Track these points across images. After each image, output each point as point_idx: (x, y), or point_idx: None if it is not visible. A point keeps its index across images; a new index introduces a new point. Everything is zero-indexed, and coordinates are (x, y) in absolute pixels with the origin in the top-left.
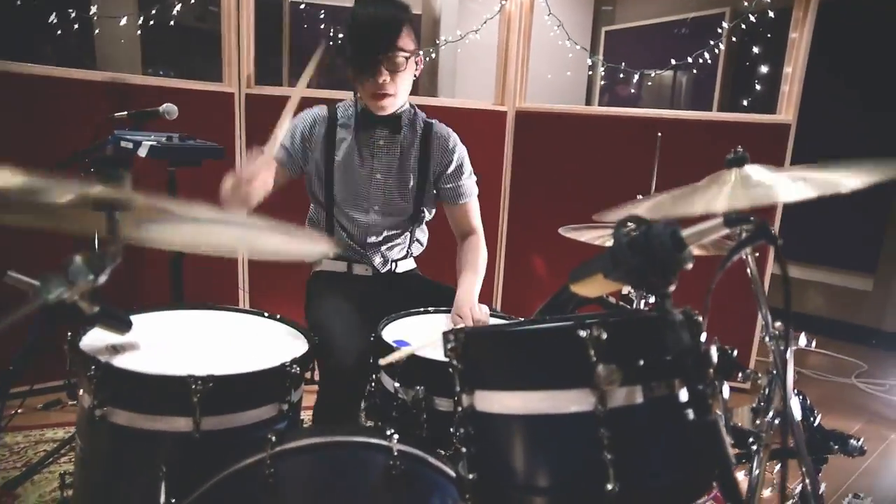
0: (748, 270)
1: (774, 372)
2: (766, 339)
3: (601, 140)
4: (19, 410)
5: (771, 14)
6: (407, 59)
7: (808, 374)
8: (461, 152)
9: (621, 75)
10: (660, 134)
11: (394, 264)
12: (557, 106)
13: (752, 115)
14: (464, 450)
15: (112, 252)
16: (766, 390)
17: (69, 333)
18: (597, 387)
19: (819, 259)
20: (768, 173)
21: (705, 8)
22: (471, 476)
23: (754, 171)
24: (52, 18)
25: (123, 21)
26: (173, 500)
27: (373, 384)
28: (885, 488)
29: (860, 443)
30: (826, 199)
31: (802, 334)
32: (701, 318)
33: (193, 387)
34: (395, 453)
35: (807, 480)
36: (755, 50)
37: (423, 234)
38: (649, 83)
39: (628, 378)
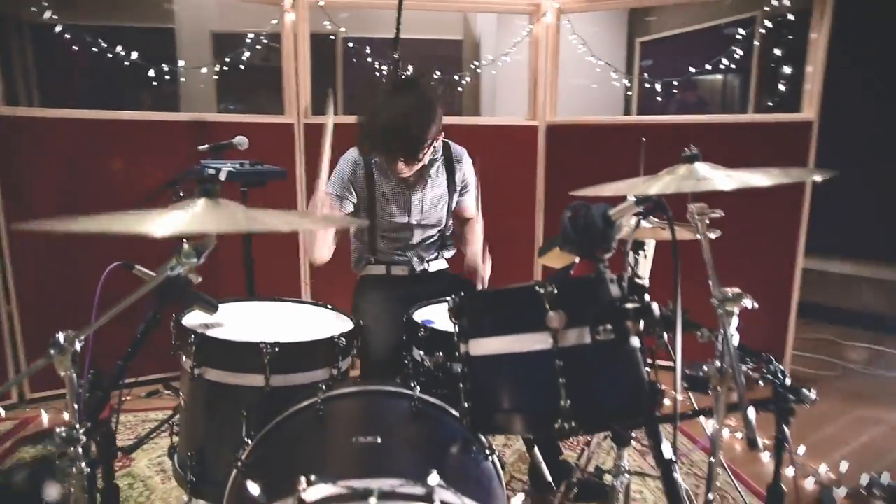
0: (703, 250)
1: (722, 332)
2: (713, 301)
3: (629, 148)
4: (128, 397)
5: (790, 17)
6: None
7: (857, 369)
8: (468, 163)
9: (647, 85)
10: (643, 139)
11: (427, 264)
12: (586, 118)
13: (776, 115)
14: (461, 385)
15: (208, 241)
16: (718, 346)
17: (174, 315)
18: (551, 329)
19: (870, 252)
20: (710, 169)
21: (736, 13)
22: (467, 405)
23: (701, 167)
24: (151, 73)
25: (204, 70)
26: (252, 433)
27: (409, 362)
28: None
29: (811, 392)
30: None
31: (748, 297)
32: (643, 283)
33: (265, 351)
34: (416, 399)
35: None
36: (781, 51)
37: (450, 244)
38: (674, 91)
39: (575, 322)
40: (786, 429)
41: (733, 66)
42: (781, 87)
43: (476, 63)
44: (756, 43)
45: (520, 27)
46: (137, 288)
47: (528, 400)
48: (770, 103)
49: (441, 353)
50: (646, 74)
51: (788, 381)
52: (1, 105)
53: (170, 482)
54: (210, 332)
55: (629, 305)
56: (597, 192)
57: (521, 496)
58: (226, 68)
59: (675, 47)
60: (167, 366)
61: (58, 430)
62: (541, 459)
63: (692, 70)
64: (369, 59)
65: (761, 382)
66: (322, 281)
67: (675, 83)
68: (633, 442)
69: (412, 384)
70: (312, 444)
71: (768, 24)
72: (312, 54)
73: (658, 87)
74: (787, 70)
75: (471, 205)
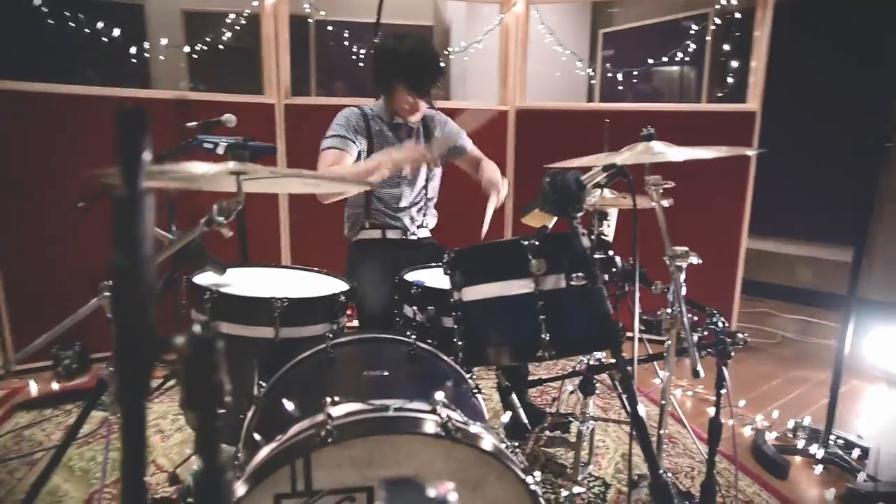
0: (657, 215)
1: (672, 285)
2: (665, 259)
3: (592, 132)
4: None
5: (737, 15)
6: None
7: (792, 338)
8: (444, 119)
9: (609, 74)
10: (607, 120)
11: (416, 230)
12: (553, 103)
13: (723, 105)
14: (455, 327)
15: (236, 202)
16: (670, 298)
17: (184, 276)
18: (533, 275)
19: (807, 234)
20: (664, 147)
21: (691, 9)
22: (460, 343)
23: (657, 144)
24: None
25: (186, 49)
26: (263, 381)
27: (399, 319)
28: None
29: (744, 335)
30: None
31: (694, 254)
32: (606, 238)
33: (275, 305)
34: (414, 345)
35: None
36: (729, 46)
37: (433, 212)
38: (634, 80)
39: (552, 269)
40: (724, 369)
41: (688, 58)
42: (730, 80)
43: (449, 50)
44: (708, 38)
45: (489, 15)
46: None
47: (513, 335)
48: (720, 94)
49: (433, 308)
50: (608, 64)
51: (727, 328)
52: None
53: (169, 440)
54: (224, 290)
55: (597, 256)
56: (568, 165)
57: (508, 415)
58: (205, 48)
59: (636, 39)
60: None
61: (102, 371)
62: (518, 405)
63: (650, 61)
64: (346, 43)
65: (705, 332)
66: (303, 246)
67: (635, 73)
68: (596, 392)
69: (409, 333)
70: (327, 379)
71: (717, 21)
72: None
73: (619, 77)
74: (734, 64)
75: (471, 149)
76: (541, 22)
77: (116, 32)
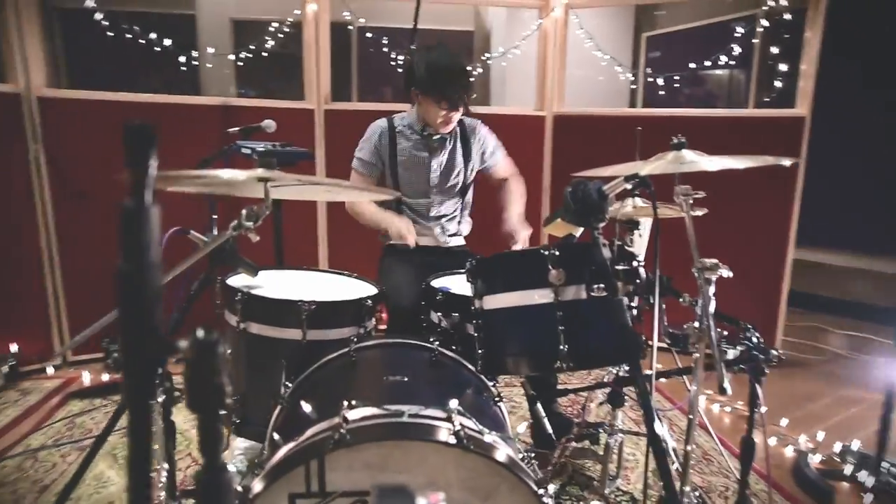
0: (686, 226)
1: (700, 298)
2: (694, 271)
3: (630, 138)
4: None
5: (787, 16)
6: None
7: (843, 354)
8: (485, 130)
9: (649, 79)
10: (639, 128)
11: (449, 238)
12: (592, 109)
13: (770, 110)
14: (476, 335)
15: (264, 208)
16: (698, 311)
17: (219, 277)
18: (553, 285)
19: (861, 244)
20: (695, 156)
21: (739, 11)
22: (480, 351)
23: (688, 153)
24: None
25: (231, 57)
26: (290, 380)
27: (424, 323)
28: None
29: (779, 352)
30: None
31: (725, 267)
32: (631, 248)
33: (303, 307)
34: (435, 351)
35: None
36: (778, 49)
37: (467, 220)
38: (676, 85)
39: (573, 279)
40: (758, 387)
41: (733, 62)
42: (778, 84)
43: (487, 55)
44: (756, 41)
45: (530, 19)
46: (192, 250)
47: (532, 345)
48: (766, 99)
49: (457, 315)
50: (648, 69)
51: (762, 344)
52: (44, 87)
53: None
54: (255, 292)
55: (619, 268)
56: (597, 174)
57: (524, 424)
58: (250, 55)
59: (681, 42)
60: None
61: None
62: (543, 415)
63: (692, 66)
64: (385, 49)
65: (738, 347)
66: (339, 251)
67: (676, 77)
68: (626, 404)
69: (431, 339)
70: (348, 382)
71: (765, 22)
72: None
73: (660, 81)
74: (783, 67)
75: (502, 163)
76: (580, 26)
77: (168, 42)
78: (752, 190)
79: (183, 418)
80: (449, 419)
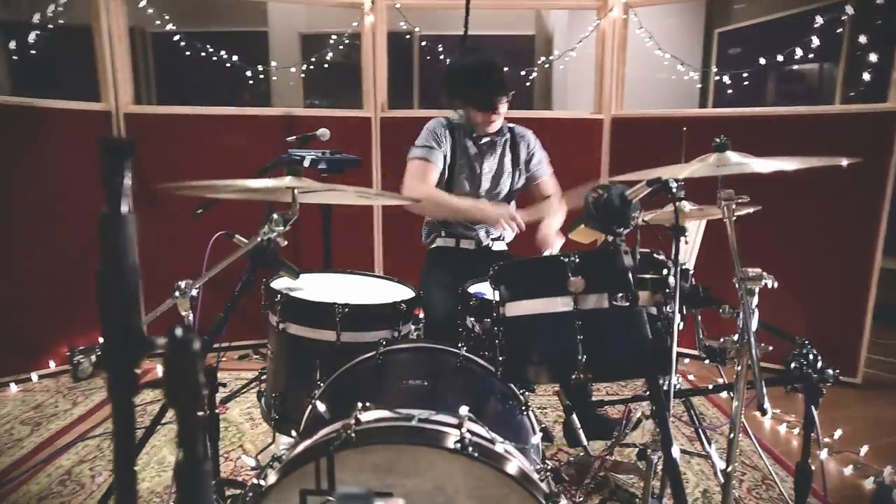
0: (728, 233)
1: (741, 310)
2: (735, 282)
3: (696, 141)
4: (224, 358)
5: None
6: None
7: None
8: (534, 139)
9: (721, 77)
10: (685, 129)
11: (491, 242)
12: (651, 111)
13: (859, 106)
14: (497, 342)
15: (292, 212)
16: (739, 323)
17: (263, 279)
18: (572, 293)
19: None
20: (740, 157)
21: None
22: (501, 358)
23: (732, 155)
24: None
25: (293, 70)
26: (324, 378)
27: (462, 330)
28: None
29: (835, 371)
30: None
31: (770, 277)
32: (660, 256)
33: (337, 311)
34: (462, 356)
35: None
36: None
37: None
38: (746, 83)
39: (594, 287)
40: (813, 409)
41: (816, 55)
42: (867, 77)
43: (543, 58)
44: (842, 30)
45: (592, 21)
46: (237, 252)
47: (550, 354)
48: (852, 93)
49: (489, 320)
50: (715, 68)
51: (819, 364)
52: (131, 104)
53: (257, 427)
54: (293, 294)
55: (646, 276)
56: (636, 178)
57: (533, 436)
58: (311, 67)
59: (757, 36)
60: (256, 335)
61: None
62: (578, 426)
63: (769, 61)
64: (441, 57)
65: (793, 364)
66: (394, 257)
67: (745, 74)
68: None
69: (460, 345)
70: (369, 384)
71: (849, 10)
72: (392, 52)
73: (727, 80)
74: (873, 58)
75: (547, 178)
76: (640, 26)
77: (239, 58)
78: (834, 193)
79: (238, 412)
80: (460, 426)
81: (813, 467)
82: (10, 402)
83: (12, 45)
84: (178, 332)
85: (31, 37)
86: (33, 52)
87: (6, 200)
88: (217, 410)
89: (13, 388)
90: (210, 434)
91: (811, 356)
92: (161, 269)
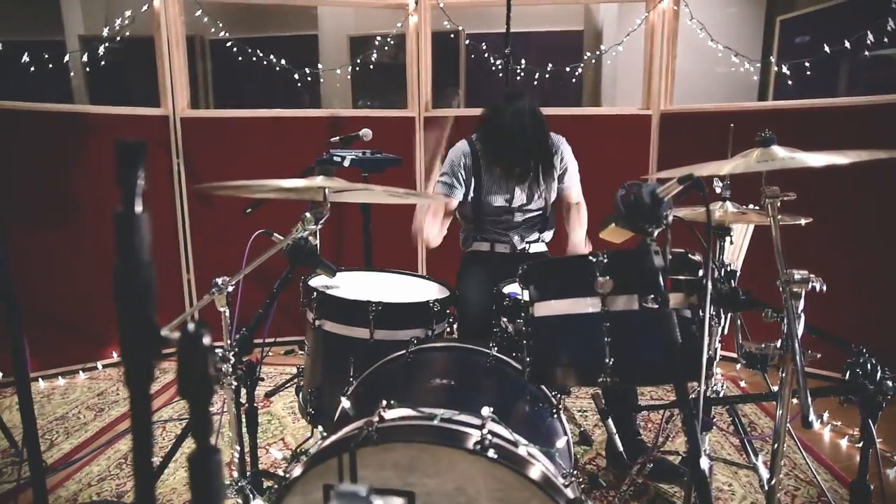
0: (772, 232)
1: (785, 314)
2: (779, 284)
3: (750, 136)
4: (270, 353)
5: None
6: None
7: None
8: (567, 149)
9: (775, 67)
10: (732, 125)
11: (528, 245)
12: (701, 105)
13: None
14: (524, 342)
15: (324, 210)
16: (783, 327)
17: (302, 277)
18: (601, 294)
19: None
20: (785, 152)
21: None
22: (528, 359)
23: (778, 150)
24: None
25: (338, 71)
26: (357, 375)
27: (497, 330)
28: None
29: (892, 382)
30: None
31: (818, 280)
32: (694, 257)
33: (371, 308)
34: (491, 357)
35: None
36: None
37: (551, 227)
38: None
39: (623, 289)
40: (871, 423)
41: (883, 39)
42: None
43: (588, 54)
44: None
45: (641, 15)
46: (271, 249)
47: (577, 356)
48: None
49: (521, 321)
50: (772, 57)
51: (878, 374)
52: (188, 108)
53: (299, 421)
54: (329, 292)
55: (681, 278)
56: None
57: (564, 439)
58: (357, 68)
59: (824, 23)
60: (301, 331)
61: (215, 349)
62: (614, 431)
63: (836, 49)
64: (485, 55)
65: (848, 372)
66: (436, 257)
67: (805, 63)
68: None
69: (491, 345)
70: (397, 383)
71: None
72: (437, 52)
73: (785, 69)
74: None
75: (574, 190)
76: (690, 16)
77: (289, 61)
78: (891, 190)
79: (281, 406)
80: (482, 426)
81: (872, 487)
82: (79, 388)
83: (84, 58)
84: (191, 326)
85: (101, 50)
86: (102, 63)
87: (80, 201)
88: (257, 404)
89: (81, 375)
90: (248, 427)
91: (869, 365)
92: (211, 265)
